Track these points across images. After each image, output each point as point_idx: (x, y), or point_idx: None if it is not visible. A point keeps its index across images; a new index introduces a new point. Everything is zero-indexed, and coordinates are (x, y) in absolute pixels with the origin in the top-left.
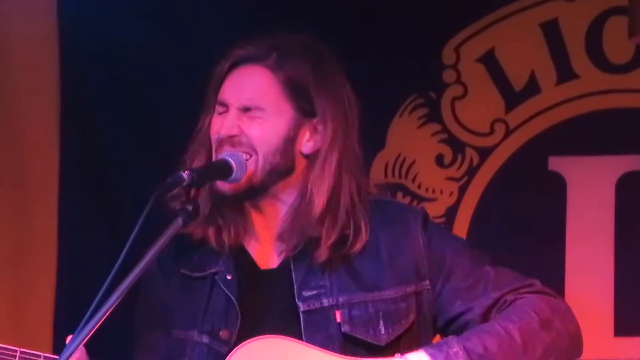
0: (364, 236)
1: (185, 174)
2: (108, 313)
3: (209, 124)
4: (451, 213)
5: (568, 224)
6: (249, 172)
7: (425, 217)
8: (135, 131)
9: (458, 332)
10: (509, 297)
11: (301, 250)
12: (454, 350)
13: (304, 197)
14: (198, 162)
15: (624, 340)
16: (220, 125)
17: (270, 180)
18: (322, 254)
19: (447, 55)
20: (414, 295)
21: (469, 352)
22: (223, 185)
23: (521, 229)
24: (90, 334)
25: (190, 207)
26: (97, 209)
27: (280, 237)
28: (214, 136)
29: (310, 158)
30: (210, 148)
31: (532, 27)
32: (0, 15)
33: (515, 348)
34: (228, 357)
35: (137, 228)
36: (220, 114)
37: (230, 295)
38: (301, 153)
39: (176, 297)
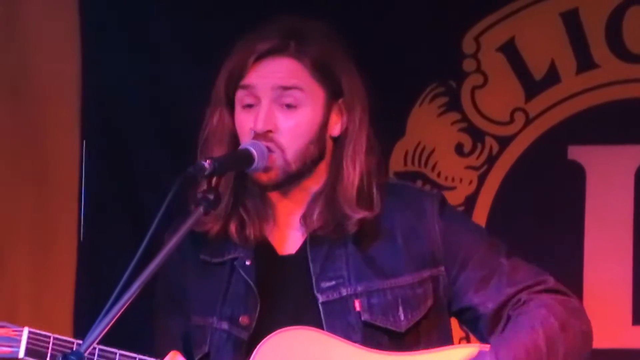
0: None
1: (206, 163)
2: (129, 302)
3: (222, 119)
4: (470, 202)
5: (587, 212)
6: (278, 164)
7: (443, 201)
8: (157, 118)
9: (471, 322)
10: (523, 297)
11: (321, 234)
12: None
13: (337, 178)
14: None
15: None
16: (255, 119)
17: (306, 169)
18: (352, 227)
19: (468, 44)
20: (430, 280)
21: None
22: (261, 176)
23: (540, 217)
24: (112, 322)
25: (211, 196)
26: (118, 196)
27: (305, 219)
28: (245, 131)
29: (339, 139)
30: (229, 144)
31: (553, 16)
32: (22, 2)
33: (541, 356)
34: (255, 352)
35: (158, 216)
36: (246, 107)
37: (250, 281)
38: (330, 136)
39: (195, 283)
